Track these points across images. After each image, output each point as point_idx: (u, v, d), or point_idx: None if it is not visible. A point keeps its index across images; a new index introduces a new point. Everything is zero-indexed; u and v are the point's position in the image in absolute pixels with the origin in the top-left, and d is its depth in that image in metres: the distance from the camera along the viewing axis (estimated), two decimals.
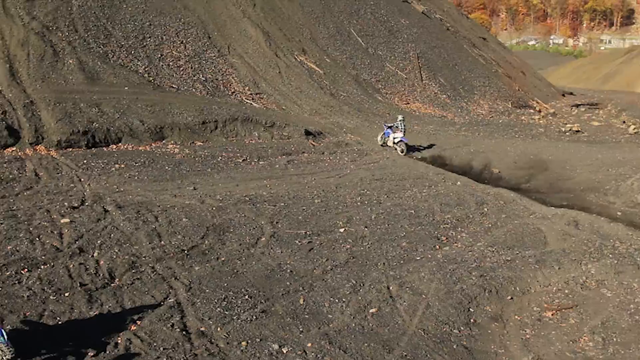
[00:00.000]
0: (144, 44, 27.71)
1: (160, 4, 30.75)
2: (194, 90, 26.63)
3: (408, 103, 35.36)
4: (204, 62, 29.05)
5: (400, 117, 24.98)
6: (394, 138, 24.46)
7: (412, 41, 41.30)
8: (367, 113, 31.25)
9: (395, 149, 24.34)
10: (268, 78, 30.60)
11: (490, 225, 15.44)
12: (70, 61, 24.01)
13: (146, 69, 26.18)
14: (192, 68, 28.13)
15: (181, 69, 27.70)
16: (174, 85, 26.13)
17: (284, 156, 21.94)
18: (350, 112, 30.28)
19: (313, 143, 24.27)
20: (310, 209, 15.78)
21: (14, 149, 18.94)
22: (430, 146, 26.11)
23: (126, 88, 24.00)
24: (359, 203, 16.65)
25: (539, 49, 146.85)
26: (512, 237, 14.61)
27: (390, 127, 24.82)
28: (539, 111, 41.50)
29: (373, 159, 22.84)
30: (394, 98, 35.18)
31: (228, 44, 31.48)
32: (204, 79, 27.82)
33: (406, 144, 24.37)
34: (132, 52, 26.77)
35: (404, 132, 24.49)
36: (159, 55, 27.62)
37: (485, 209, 16.69)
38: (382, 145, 24.89)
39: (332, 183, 18.69)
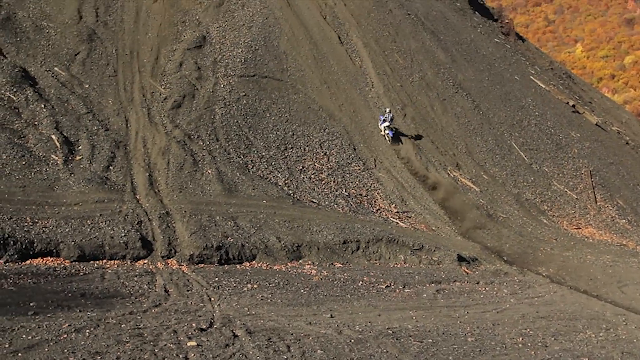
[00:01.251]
0: (286, 154, 29.06)
1: (305, 113, 32.37)
2: (335, 205, 27.27)
3: (579, 228, 34.06)
4: (348, 175, 29.85)
5: (387, 110, 34.16)
6: (385, 128, 33.61)
7: (584, 157, 40.28)
8: (530, 238, 30.37)
9: (384, 135, 33.80)
10: (417, 195, 30.80)
11: None
12: (209, 171, 25.56)
13: (286, 182, 27.28)
14: (334, 182, 28.97)
15: (323, 182, 28.60)
16: (314, 200, 26.94)
17: (433, 284, 21.63)
18: (510, 237, 29.57)
19: (467, 271, 23.81)
20: (463, 348, 15.27)
21: (145, 261, 20.10)
22: (418, 137, 34.92)
23: (264, 201, 25.04)
24: (520, 345, 15.93)
25: None
26: None
27: (384, 120, 33.63)
28: None
29: (537, 292, 21.97)
30: (562, 221, 34.06)
31: (375, 156, 32.29)
32: (347, 194, 28.49)
33: (389, 132, 33.55)
34: (273, 163, 28.12)
35: (391, 121, 33.58)
36: (301, 167, 28.78)
37: None
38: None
39: (488, 319, 18.09)
